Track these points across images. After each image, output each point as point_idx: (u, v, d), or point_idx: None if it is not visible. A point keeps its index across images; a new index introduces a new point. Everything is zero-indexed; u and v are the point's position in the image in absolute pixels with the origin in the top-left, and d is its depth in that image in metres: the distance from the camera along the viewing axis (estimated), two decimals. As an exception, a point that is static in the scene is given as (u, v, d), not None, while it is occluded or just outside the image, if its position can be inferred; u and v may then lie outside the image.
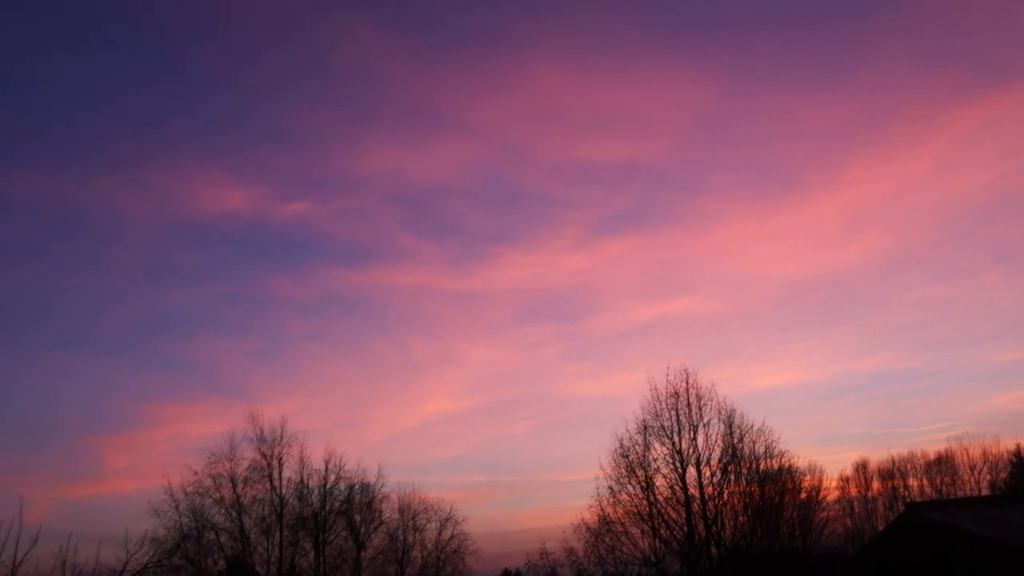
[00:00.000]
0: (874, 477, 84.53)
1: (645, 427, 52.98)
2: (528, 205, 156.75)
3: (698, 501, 51.09)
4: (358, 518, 65.56)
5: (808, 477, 63.18)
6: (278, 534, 60.62)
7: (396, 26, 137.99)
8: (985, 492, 76.40)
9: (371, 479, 66.51)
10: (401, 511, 68.11)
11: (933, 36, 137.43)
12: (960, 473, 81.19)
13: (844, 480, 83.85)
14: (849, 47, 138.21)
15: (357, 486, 65.74)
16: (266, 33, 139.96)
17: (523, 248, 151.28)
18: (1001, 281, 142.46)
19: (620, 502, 52.87)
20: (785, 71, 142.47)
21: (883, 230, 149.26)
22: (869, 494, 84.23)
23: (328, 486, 63.99)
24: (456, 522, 68.35)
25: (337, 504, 64.35)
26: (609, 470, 53.34)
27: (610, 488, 52.92)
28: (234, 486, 60.66)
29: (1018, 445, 77.84)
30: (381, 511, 67.08)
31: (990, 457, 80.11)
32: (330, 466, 64.15)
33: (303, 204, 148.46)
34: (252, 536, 60.41)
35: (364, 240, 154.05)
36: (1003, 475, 77.97)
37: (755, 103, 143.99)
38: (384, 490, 67.35)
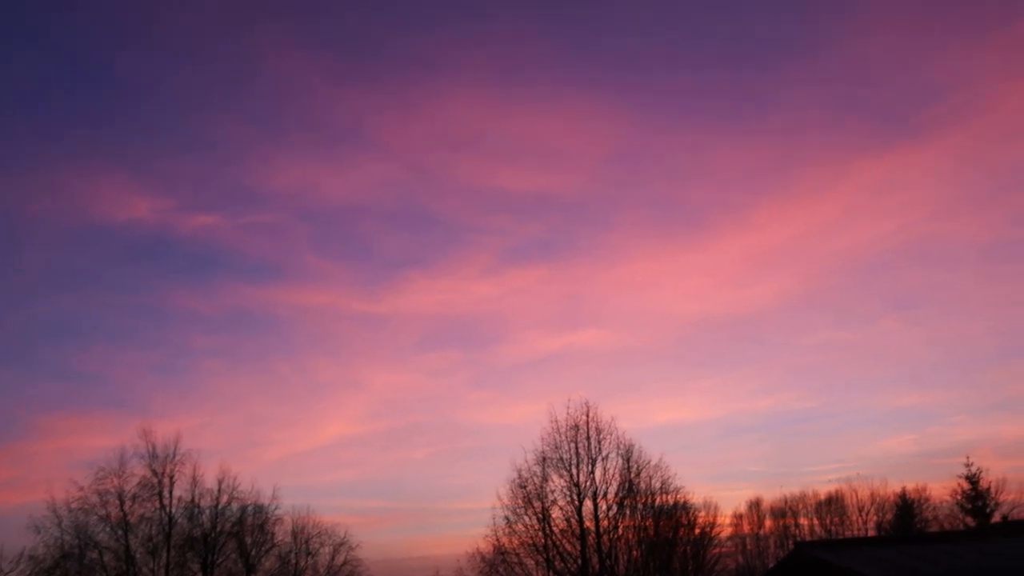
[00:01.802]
0: (767, 515, 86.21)
1: (544, 458, 53.15)
2: (440, 231, 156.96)
3: (593, 534, 51.32)
4: (249, 540, 64.00)
5: (703, 513, 64.13)
6: (165, 555, 58.84)
7: (320, 45, 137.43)
8: (872, 533, 78.37)
9: (265, 500, 65.05)
10: (294, 534, 66.68)
11: (842, 87, 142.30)
12: (849, 513, 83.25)
13: (738, 517, 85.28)
14: (760, 92, 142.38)
15: (250, 507, 64.23)
16: (188, 43, 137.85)
17: (433, 274, 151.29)
18: (897, 328, 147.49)
19: (516, 533, 52.83)
20: (698, 113, 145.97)
21: (788, 273, 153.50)
22: (762, 532, 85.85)
23: (220, 506, 62.39)
24: (350, 547, 67.15)
25: (228, 525, 62.74)
26: (506, 500, 53.32)
27: (507, 518, 52.88)
28: (121, 503, 58.76)
29: (904, 488, 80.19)
30: (274, 534, 65.60)
31: (878, 499, 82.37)
32: (223, 486, 62.63)
33: (211, 217, 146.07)
34: (138, 556, 58.54)
35: (273, 257, 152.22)
36: (889, 516, 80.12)
37: (668, 142, 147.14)
38: (278, 512, 65.91)
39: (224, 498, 62.55)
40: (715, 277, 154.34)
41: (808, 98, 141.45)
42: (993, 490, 71.19)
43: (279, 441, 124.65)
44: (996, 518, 68.39)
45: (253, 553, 64.00)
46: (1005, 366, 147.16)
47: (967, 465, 71.39)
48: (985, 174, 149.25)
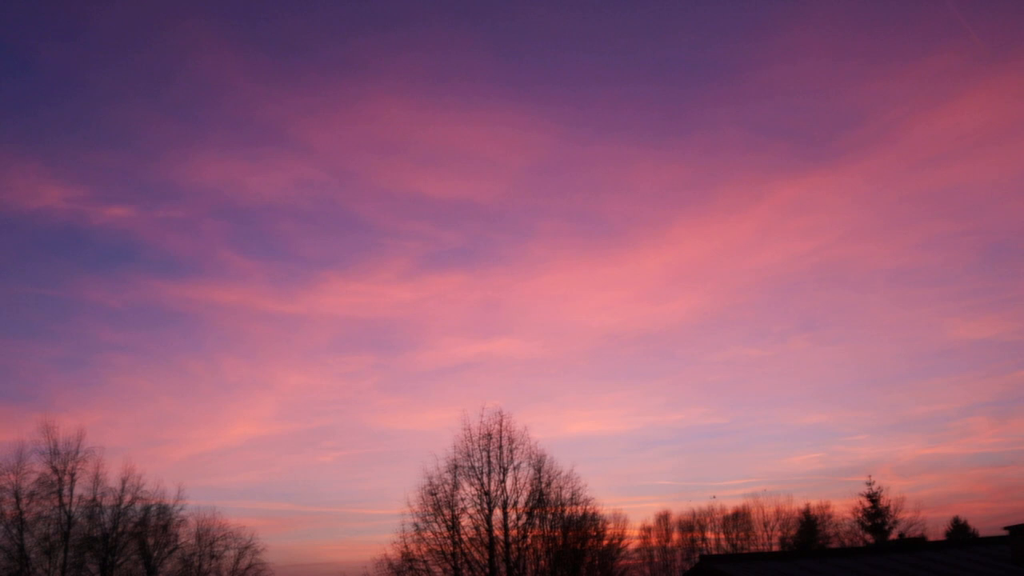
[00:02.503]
0: (675, 528, 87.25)
1: (456, 466, 53.07)
2: (360, 234, 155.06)
3: (502, 544, 51.33)
4: (152, 541, 62.68)
5: (612, 525, 64.70)
6: (62, 555, 57.20)
7: (247, 44, 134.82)
8: (776, 547, 79.84)
9: (170, 501, 63.77)
10: (199, 536, 65.52)
11: (763, 109, 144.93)
12: (754, 528, 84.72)
13: (646, 530, 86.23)
14: (683, 110, 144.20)
15: (154, 507, 62.93)
16: (113, 36, 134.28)
17: (349, 276, 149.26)
18: (807, 348, 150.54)
19: (425, 540, 52.57)
20: (621, 127, 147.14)
21: (703, 289, 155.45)
22: (669, 544, 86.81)
23: (123, 506, 60.97)
24: (255, 551, 66.26)
25: (130, 525, 61.35)
26: (416, 507, 53.04)
27: (416, 525, 52.62)
28: (18, 501, 57.05)
29: (808, 505, 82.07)
30: (177, 535, 64.44)
31: (782, 514, 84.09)
32: (127, 485, 61.25)
33: (126, 209, 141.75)
34: (32, 556, 56.86)
35: (186, 252, 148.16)
36: (793, 532, 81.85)
37: (590, 155, 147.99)
38: (183, 513, 64.68)
39: (127, 497, 61.23)
40: (632, 291, 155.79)
41: (729, 118, 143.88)
42: (892, 508, 73.23)
43: (186, 440, 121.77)
44: (894, 535, 70.28)
45: (155, 555, 62.70)
46: (908, 388, 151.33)
47: (868, 483, 73.38)
48: (897, 200, 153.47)
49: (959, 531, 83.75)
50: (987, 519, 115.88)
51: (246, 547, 66.17)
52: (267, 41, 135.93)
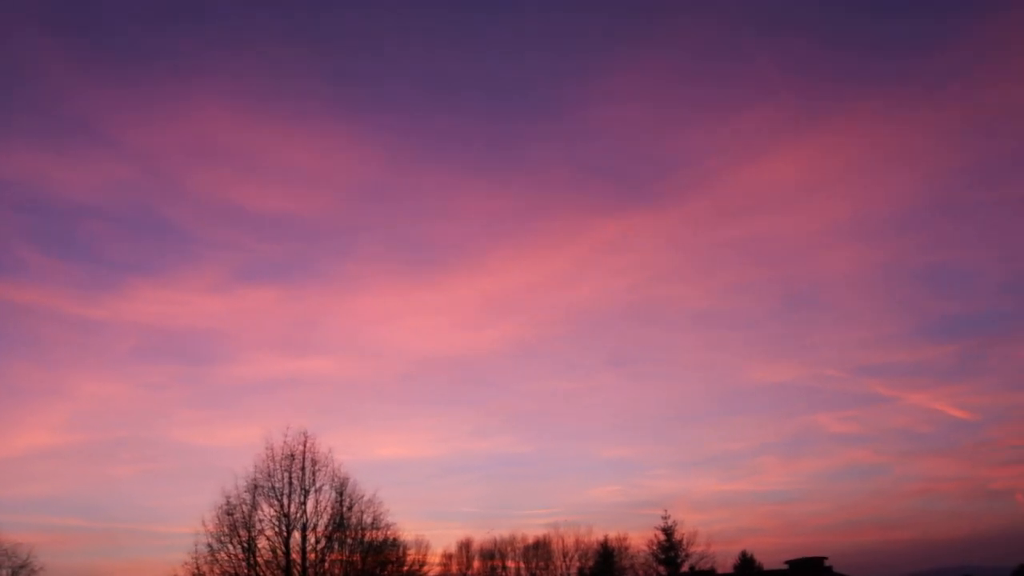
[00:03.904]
0: (476, 556, 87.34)
1: (255, 486, 51.70)
2: (172, 240, 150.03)
3: (299, 567, 50.09)
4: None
5: (413, 551, 64.31)
6: None
7: (66, 30, 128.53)
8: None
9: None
10: (-33, 555, 60.71)
11: (588, 149, 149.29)
12: (554, 558, 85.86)
13: (448, 557, 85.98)
14: (511, 143, 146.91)
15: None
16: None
17: (158, 283, 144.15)
18: (614, 383, 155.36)
19: (218, 562, 50.79)
20: (448, 156, 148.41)
21: (517, 320, 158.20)
22: (469, 572, 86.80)
23: None
24: (32, 570, 61.93)
25: None
26: (212, 527, 51.25)
27: (209, 546, 50.81)
28: None
29: (606, 536, 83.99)
30: (-55, 553, 59.51)
31: (582, 545, 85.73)
32: None
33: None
34: None
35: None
36: (591, 563, 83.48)
37: (415, 180, 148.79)
38: (-51, 529, 59.82)
39: None
40: (448, 317, 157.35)
41: (555, 155, 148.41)
42: (685, 542, 75.84)
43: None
44: (685, 567, 72.90)
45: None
46: (708, 425, 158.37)
47: (664, 517, 75.85)
48: (708, 246, 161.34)
49: (746, 565, 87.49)
50: (772, 553, 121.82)
51: (21, 566, 61.79)
52: (84, 24, 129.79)
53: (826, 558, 72.02)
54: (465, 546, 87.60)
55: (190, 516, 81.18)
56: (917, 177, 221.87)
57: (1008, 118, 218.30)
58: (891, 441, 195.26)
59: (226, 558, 50.59)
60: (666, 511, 76.60)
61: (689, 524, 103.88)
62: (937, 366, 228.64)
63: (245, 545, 50.54)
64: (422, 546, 68.77)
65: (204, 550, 50.64)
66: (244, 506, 51.19)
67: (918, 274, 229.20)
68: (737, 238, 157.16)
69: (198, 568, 50.69)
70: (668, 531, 75.05)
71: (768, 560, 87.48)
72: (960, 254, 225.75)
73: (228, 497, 51.56)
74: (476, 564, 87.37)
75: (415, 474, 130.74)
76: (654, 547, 76.07)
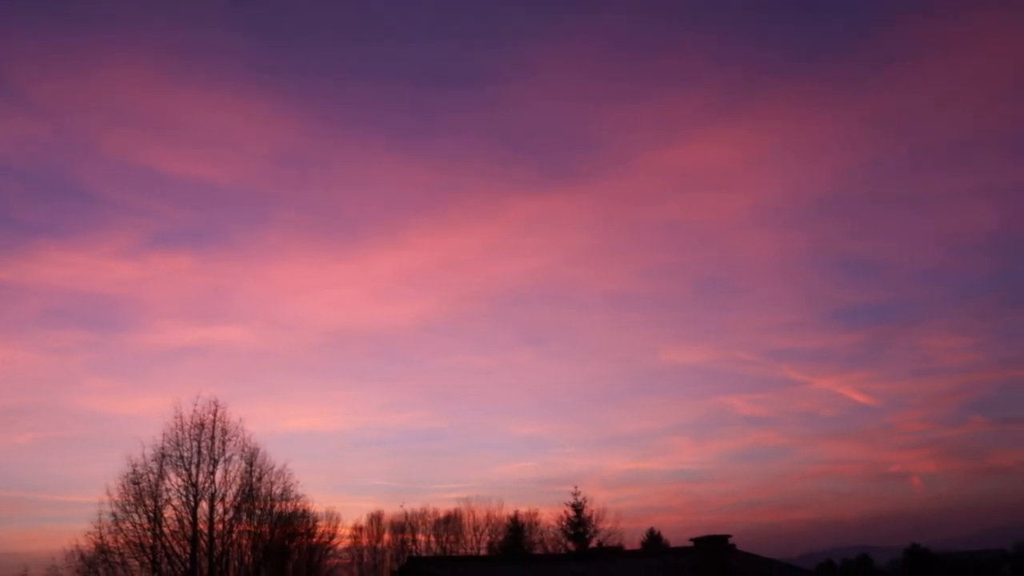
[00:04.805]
0: (387, 529, 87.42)
1: (163, 455, 50.68)
2: (82, 202, 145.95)
3: (206, 537, 49.49)
4: None
5: (323, 523, 64.01)
6: None
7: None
8: (483, 552, 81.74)
9: None
10: None
11: (508, 124, 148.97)
12: (464, 532, 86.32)
13: (358, 530, 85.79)
14: (430, 113, 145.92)
15: None
16: None
17: (67, 246, 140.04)
18: (529, 360, 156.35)
19: (123, 531, 49.71)
20: (367, 125, 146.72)
21: (433, 296, 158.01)
22: (380, 545, 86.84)
23: None
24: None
25: None
26: (116, 496, 50.03)
27: (114, 515, 49.62)
28: None
29: (516, 511, 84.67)
30: None
31: (492, 520, 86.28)
32: None
33: None
34: None
35: None
36: (501, 537, 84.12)
37: (334, 149, 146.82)
38: None
39: None
40: (363, 289, 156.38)
41: (475, 126, 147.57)
42: (594, 518, 76.80)
43: None
44: (593, 543, 73.88)
45: None
46: (619, 405, 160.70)
47: (574, 494, 76.64)
48: (621, 229, 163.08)
49: (653, 542, 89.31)
50: (679, 531, 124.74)
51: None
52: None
53: (729, 536, 73.67)
54: (376, 519, 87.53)
55: (95, 486, 79.49)
56: (832, 168, 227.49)
57: (924, 113, 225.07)
58: (796, 424, 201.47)
59: (131, 528, 49.53)
60: (576, 488, 77.50)
61: (599, 501, 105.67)
62: (844, 352, 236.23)
63: (151, 515, 49.61)
64: (332, 518, 68.42)
65: (108, 519, 49.53)
66: (151, 475, 50.21)
67: (831, 262, 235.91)
68: (654, 221, 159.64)
69: (101, 538, 49.56)
70: (578, 507, 75.90)
71: (675, 538, 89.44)
72: (872, 244, 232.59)
73: (135, 466, 50.47)
74: (386, 537, 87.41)
75: (327, 447, 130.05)
76: (563, 523, 76.91)
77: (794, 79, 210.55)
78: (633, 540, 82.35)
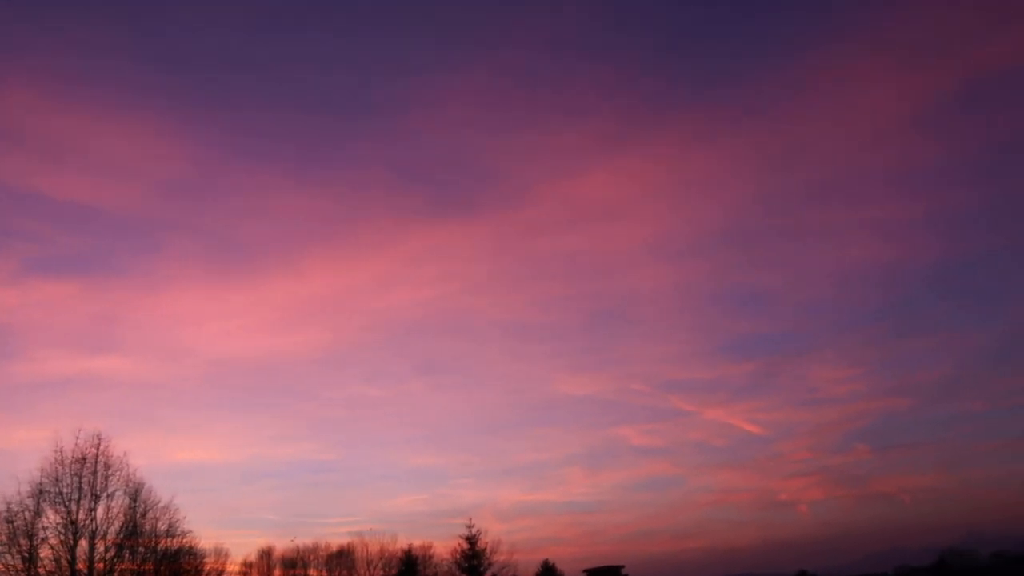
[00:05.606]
0: (278, 565, 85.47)
1: (40, 491, 48.66)
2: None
3: (85, 577, 47.60)
4: None
5: (211, 559, 62.41)
6: None
7: None
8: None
9: None
10: None
11: (405, 157, 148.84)
12: (358, 567, 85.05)
13: (248, 566, 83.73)
14: (330, 142, 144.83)
15: None
16: None
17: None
18: (423, 392, 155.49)
19: (-6, 572, 47.38)
20: (265, 153, 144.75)
21: (326, 327, 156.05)
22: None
23: None
24: None
25: None
26: (-12, 536, 47.66)
27: (-16, 556, 47.24)
28: None
29: (411, 545, 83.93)
30: None
31: (386, 553, 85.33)
32: None
33: None
34: None
35: None
36: (394, 571, 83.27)
37: (230, 176, 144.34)
38: None
39: None
40: (257, 319, 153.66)
41: (375, 156, 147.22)
42: (488, 550, 76.86)
43: None
44: (488, 576, 73.73)
45: None
46: (515, 436, 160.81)
47: (468, 526, 76.53)
48: (517, 259, 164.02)
49: (547, 573, 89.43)
50: (574, 562, 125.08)
51: None
52: None
53: (623, 566, 74.80)
54: (266, 554, 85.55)
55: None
56: (725, 200, 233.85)
57: (815, 147, 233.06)
58: (688, 454, 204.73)
59: (3, 569, 47.43)
60: (471, 520, 77.20)
61: (494, 533, 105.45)
62: (735, 383, 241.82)
63: (26, 555, 47.49)
64: (221, 554, 66.66)
65: (-22, 561, 47.32)
66: (27, 512, 48.14)
67: (721, 294, 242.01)
68: (549, 252, 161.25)
69: (-31, 580, 47.36)
70: (472, 540, 75.74)
71: (569, 568, 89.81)
72: (759, 277, 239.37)
73: (8, 503, 48.40)
74: (277, 573, 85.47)
75: (215, 480, 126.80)
76: (457, 555, 76.63)
77: (689, 112, 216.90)
78: (528, 572, 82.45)
